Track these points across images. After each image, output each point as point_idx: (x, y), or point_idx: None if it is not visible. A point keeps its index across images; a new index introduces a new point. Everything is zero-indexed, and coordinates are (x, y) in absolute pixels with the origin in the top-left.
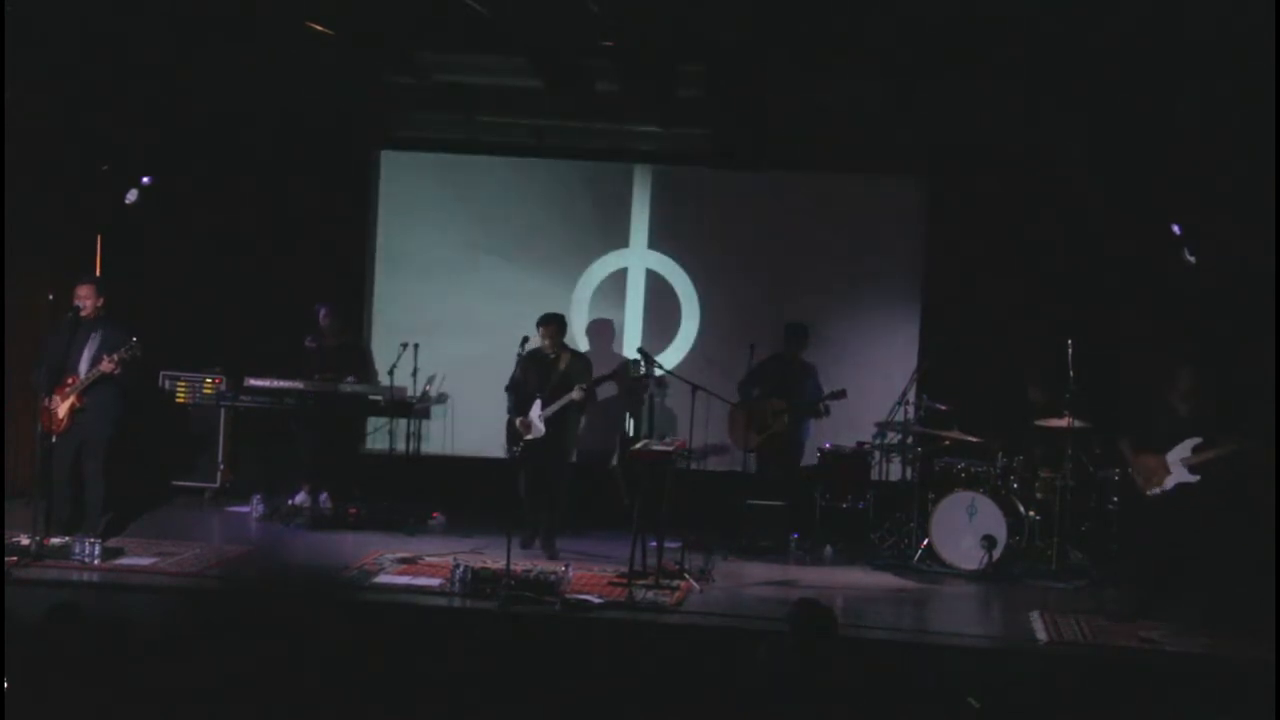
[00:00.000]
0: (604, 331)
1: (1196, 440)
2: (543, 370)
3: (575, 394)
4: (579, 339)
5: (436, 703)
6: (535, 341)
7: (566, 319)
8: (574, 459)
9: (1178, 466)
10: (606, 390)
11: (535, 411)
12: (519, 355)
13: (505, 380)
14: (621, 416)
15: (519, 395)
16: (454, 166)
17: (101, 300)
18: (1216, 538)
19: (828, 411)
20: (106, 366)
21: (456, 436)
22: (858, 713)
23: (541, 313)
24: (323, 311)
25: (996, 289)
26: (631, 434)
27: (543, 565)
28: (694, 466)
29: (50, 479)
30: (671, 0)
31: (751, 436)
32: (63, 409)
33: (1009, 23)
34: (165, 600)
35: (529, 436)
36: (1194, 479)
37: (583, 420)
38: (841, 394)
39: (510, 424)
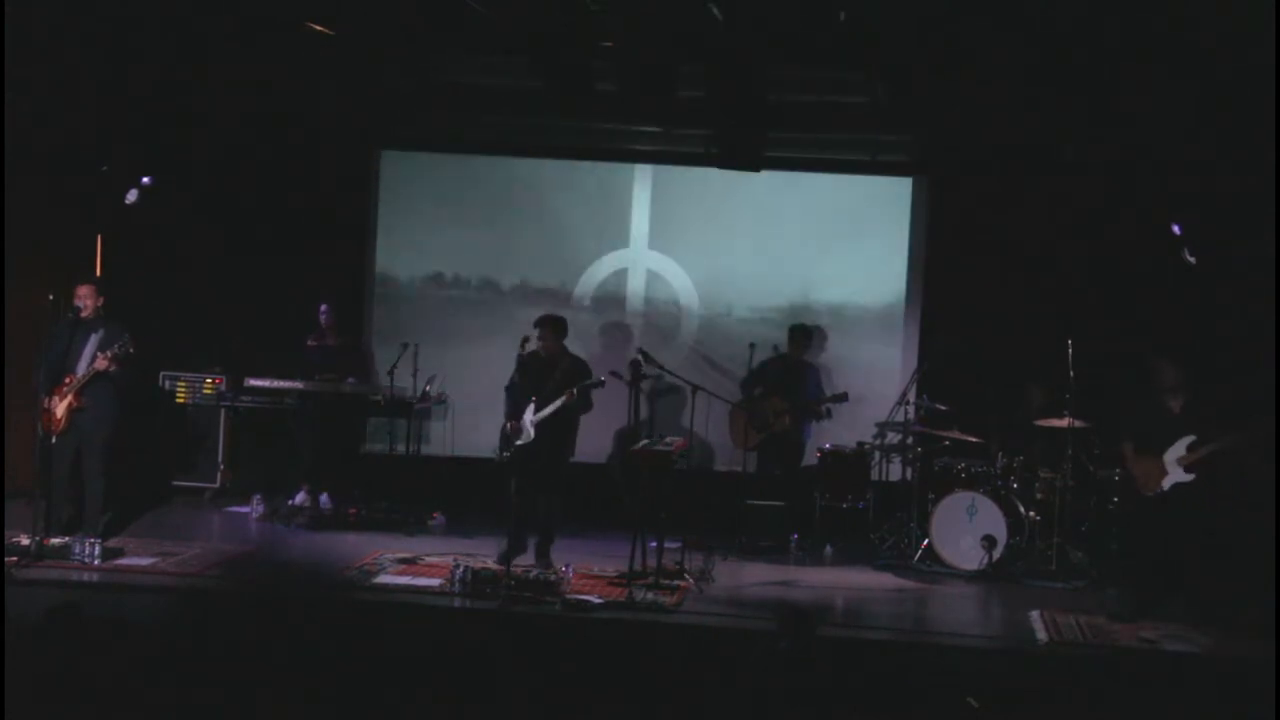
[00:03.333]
0: (604, 332)
1: (1191, 439)
2: (538, 373)
3: (564, 398)
4: (578, 339)
5: (437, 703)
6: (534, 343)
7: (566, 322)
8: (569, 464)
9: (1174, 466)
10: (607, 392)
11: (528, 416)
12: (519, 356)
13: (505, 380)
14: (619, 416)
15: (515, 398)
16: (454, 166)
17: (101, 300)
18: (1214, 535)
19: (829, 414)
20: (101, 364)
21: (456, 436)
22: (858, 713)
23: (542, 312)
24: (324, 311)
25: (996, 289)
26: (631, 434)
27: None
28: (694, 466)
29: (50, 479)
30: (671, 0)
31: (752, 436)
32: (60, 409)
33: (1008, 22)
34: (165, 600)
35: (519, 441)
36: (1189, 478)
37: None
38: (843, 397)
39: (504, 427)
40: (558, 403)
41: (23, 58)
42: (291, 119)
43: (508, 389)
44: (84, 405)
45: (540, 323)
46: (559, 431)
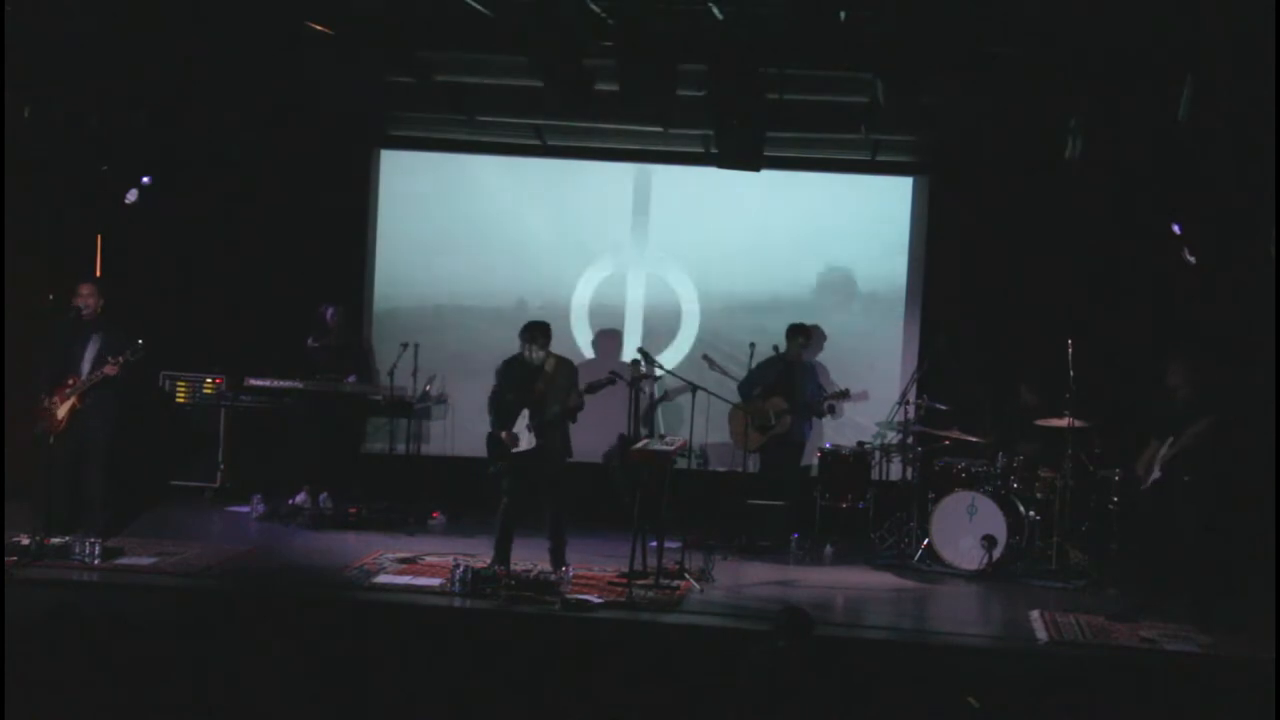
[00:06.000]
0: (604, 333)
1: (1171, 439)
2: (528, 379)
3: (573, 401)
4: (579, 340)
5: (437, 703)
6: (535, 352)
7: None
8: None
9: (1157, 465)
10: (607, 392)
11: (523, 423)
12: (502, 365)
13: None
14: (621, 416)
15: (503, 408)
16: (454, 166)
17: (102, 301)
18: (1186, 533)
19: (832, 411)
20: (111, 370)
21: (456, 436)
22: (858, 713)
23: (542, 314)
24: (329, 311)
25: (996, 288)
26: (631, 434)
27: (544, 566)
28: (694, 466)
29: (50, 479)
30: (671, 0)
31: (753, 436)
32: (62, 410)
33: (1008, 21)
34: (165, 600)
35: (518, 449)
36: (1161, 476)
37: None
38: (844, 394)
39: (492, 438)
40: (568, 405)
41: (23, 57)
42: (291, 119)
43: (492, 398)
44: (85, 407)
45: (536, 329)
46: (563, 432)
